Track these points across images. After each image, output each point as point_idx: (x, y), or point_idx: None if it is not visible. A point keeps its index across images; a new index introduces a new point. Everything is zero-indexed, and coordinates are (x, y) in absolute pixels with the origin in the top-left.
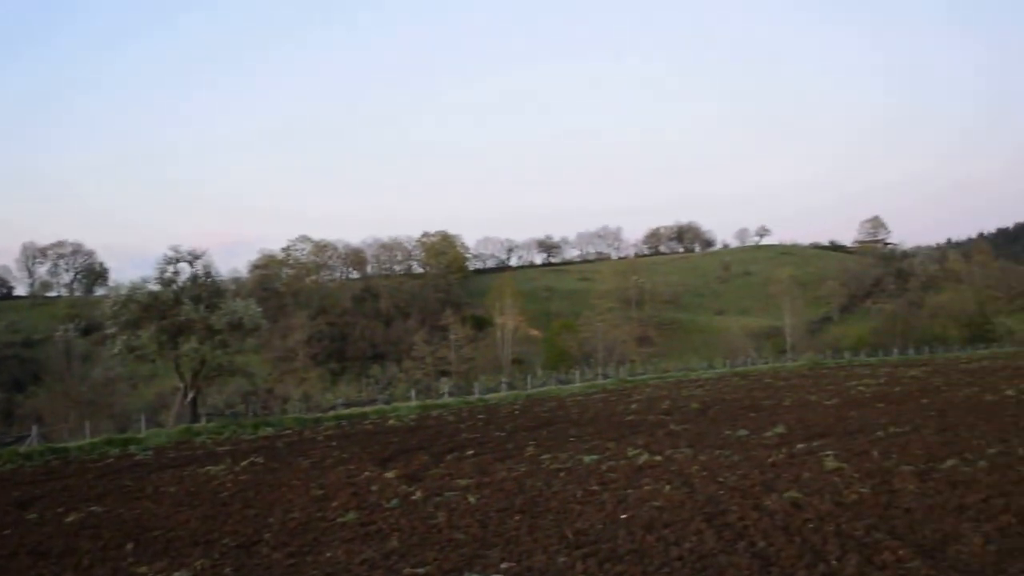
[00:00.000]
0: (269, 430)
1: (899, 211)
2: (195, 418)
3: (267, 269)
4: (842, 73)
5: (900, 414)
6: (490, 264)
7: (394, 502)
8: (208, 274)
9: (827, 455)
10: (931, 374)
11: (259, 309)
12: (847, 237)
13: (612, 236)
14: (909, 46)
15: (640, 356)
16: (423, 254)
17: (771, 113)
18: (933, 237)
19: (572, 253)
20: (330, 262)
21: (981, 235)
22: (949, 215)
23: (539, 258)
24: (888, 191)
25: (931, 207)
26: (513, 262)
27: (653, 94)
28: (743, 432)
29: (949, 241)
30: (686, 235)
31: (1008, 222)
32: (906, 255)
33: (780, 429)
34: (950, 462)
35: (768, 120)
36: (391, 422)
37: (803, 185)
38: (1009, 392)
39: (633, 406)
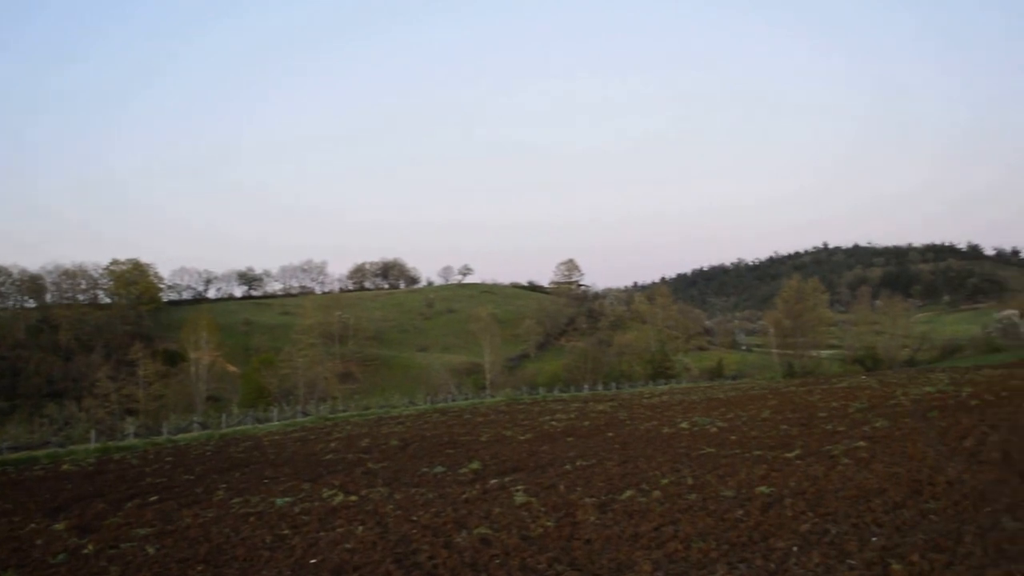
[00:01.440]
0: None
1: (591, 255)
2: None
3: None
4: (544, 124)
5: (587, 447)
6: (186, 296)
7: (61, 557)
8: None
9: (518, 490)
10: (617, 408)
11: None
12: (544, 278)
13: (316, 270)
14: (598, 97)
15: (342, 393)
16: (111, 283)
17: (477, 157)
18: (621, 280)
19: (275, 287)
20: (2, 289)
21: (663, 279)
22: (636, 261)
23: (239, 291)
24: (581, 236)
25: (620, 253)
26: (211, 294)
27: (359, 136)
28: (440, 469)
29: (635, 284)
30: (391, 271)
31: (687, 269)
32: (597, 296)
33: (475, 465)
34: (628, 492)
35: (472, 165)
36: (65, 467)
37: (505, 227)
38: (684, 425)
39: (332, 444)
